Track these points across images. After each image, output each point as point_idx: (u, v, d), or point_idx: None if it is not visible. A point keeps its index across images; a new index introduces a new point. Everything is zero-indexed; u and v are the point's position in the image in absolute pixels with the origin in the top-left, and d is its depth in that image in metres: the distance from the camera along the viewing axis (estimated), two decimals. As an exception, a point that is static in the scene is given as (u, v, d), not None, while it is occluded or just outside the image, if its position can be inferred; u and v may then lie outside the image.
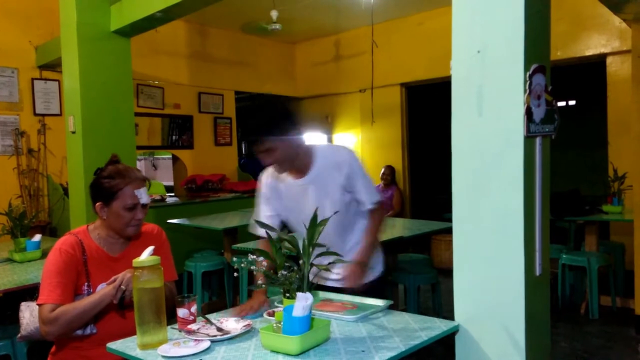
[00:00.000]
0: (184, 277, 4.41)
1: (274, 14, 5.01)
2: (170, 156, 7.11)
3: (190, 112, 6.45)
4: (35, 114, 5.08)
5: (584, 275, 4.10)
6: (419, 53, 6.26)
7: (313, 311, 1.43)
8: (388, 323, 1.63)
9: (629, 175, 3.99)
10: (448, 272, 1.93)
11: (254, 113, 1.92)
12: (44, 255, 2.87)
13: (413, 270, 3.62)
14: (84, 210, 3.70)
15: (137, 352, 1.48)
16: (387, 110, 6.63)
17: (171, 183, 7.28)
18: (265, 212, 2.09)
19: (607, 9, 3.76)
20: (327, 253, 1.53)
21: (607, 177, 4.41)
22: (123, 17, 3.72)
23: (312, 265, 1.43)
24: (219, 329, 1.59)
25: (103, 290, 1.71)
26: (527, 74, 1.53)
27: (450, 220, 1.74)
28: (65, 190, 4.77)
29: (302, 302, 1.35)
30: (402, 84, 6.66)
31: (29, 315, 1.89)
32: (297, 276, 1.42)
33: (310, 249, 1.43)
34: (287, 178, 2.04)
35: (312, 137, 7.37)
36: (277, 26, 5.08)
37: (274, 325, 1.44)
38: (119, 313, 1.80)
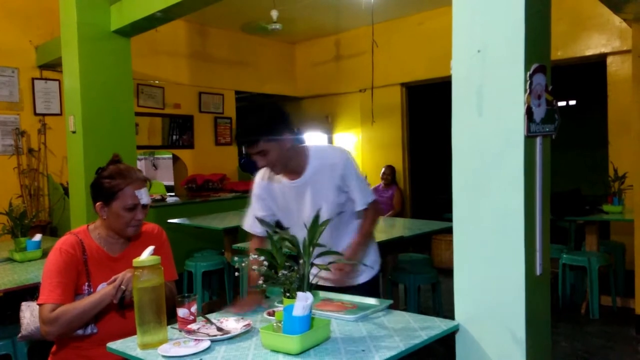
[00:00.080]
0: (184, 277, 4.41)
1: (274, 13, 5.01)
2: (171, 156, 7.11)
3: (190, 112, 6.45)
4: (36, 114, 5.08)
5: (584, 275, 4.10)
6: (419, 53, 6.26)
7: (313, 311, 1.43)
8: (388, 322, 1.63)
9: (629, 175, 3.99)
10: (448, 272, 1.93)
11: (247, 115, 1.92)
12: (45, 255, 2.88)
13: (413, 270, 3.62)
14: (84, 210, 3.71)
15: (137, 352, 1.48)
16: (387, 110, 6.63)
17: (171, 183, 7.28)
18: (258, 211, 2.10)
19: (607, 9, 3.76)
20: (327, 253, 1.53)
21: (607, 177, 4.41)
22: (123, 16, 3.72)
23: (312, 265, 1.43)
24: (219, 329, 1.59)
25: (103, 290, 1.71)
26: (528, 73, 1.53)
27: (450, 220, 1.74)
28: (66, 190, 4.77)
29: (302, 301, 1.35)
30: (402, 84, 6.66)
31: (29, 315, 1.89)
32: (297, 276, 1.42)
33: (311, 249, 1.43)
34: (282, 179, 2.03)
35: (312, 137, 7.38)
36: (278, 26, 5.08)
37: (274, 324, 1.44)
38: (120, 313, 1.80)
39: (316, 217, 1.46)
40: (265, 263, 1.46)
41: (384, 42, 6.16)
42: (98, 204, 1.80)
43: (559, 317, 3.93)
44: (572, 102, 8.04)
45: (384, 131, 6.77)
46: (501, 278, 1.59)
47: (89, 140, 3.73)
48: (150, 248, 1.62)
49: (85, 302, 1.69)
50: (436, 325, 1.59)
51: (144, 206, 1.82)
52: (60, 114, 5.09)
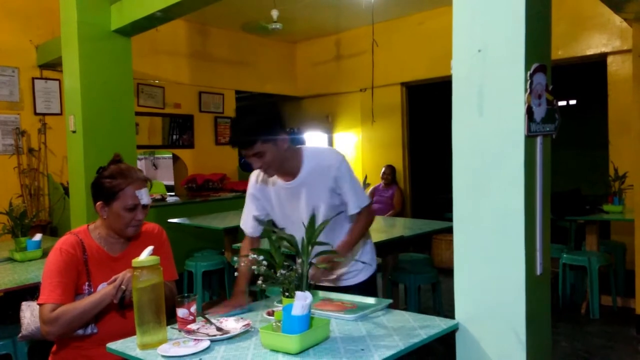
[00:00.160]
0: (184, 277, 4.42)
1: (274, 13, 5.01)
2: (171, 155, 7.11)
3: (190, 112, 6.45)
4: (36, 114, 5.08)
5: (584, 275, 4.10)
6: (419, 52, 6.26)
7: (312, 310, 1.43)
8: (388, 322, 1.63)
9: (630, 174, 3.99)
10: (449, 272, 1.93)
11: (242, 116, 1.89)
12: (45, 254, 2.88)
13: (414, 270, 3.62)
14: (84, 210, 3.71)
15: (137, 352, 1.48)
16: (387, 109, 6.63)
17: (172, 182, 7.28)
18: (253, 211, 2.10)
19: (607, 8, 3.76)
20: (324, 252, 1.53)
21: (607, 177, 4.41)
22: (123, 16, 3.72)
23: (311, 264, 1.43)
24: (219, 329, 1.59)
25: (103, 290, 1.71)
26: (528, 73, 1.53)
27: (450, 219, 1.74)
28: (66, 190, 4.77)
29: (302, 301, 1.35)
30: (402, 84, 6.66)
31: (29, 314, 1.89)
32: (296, 275, 1.42)
33: (309, 249, 1.43)
34: (277, 181, 2.03)
35: (312, 137, 7.38)
36: (278, 25, 5.08)
37: (274, 324, 1.44)
38: (120, 313, 1.80)
39: (312, 217, 1.46)
40: (265, 263, 1.46)
41: (385, 41, 6.16)
42: (98, 203, 1.80)
43: (559, 317, 3.93)
44: (573, 102, 8.03)
45: (384, 131, 6.77)
46: (501, 278, 1.59)
47: (89, 140, 3.73)
48: (150, 248, 1.62)
49: (85, 302, 1.69)
50: (436, 325, 1.59)
51: (145, 206, 1.82)
52: (61, 114, 5.09)
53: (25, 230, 3.05)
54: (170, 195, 6.22)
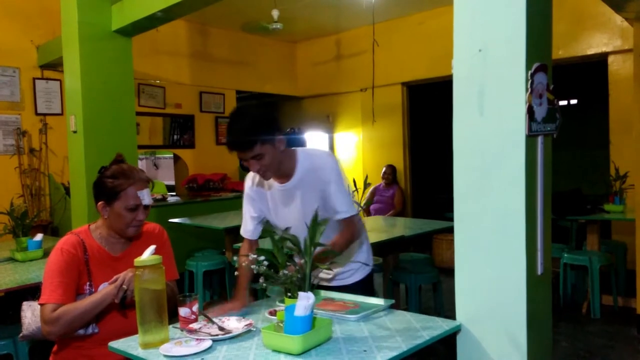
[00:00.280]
0: (185, 277, 4.42)
1: (274, 13, 5.01)
2: (172, 155, 7.11)
3: (191, 112, 6.45)
4: (37, 114, 5.09)
5: (585, 275, 4.10)
6: (420, 52, 6.26)
7: (315, 310, 1.43)
8: (390, 323, 1.63)
9: (631, 174, 3.99)
10: (449, 272, 1.92)
11: (239, 118, 1.87)
12: (46, 254, 2.88)
13: (414, 270, 3.62)
14: (85, 210, 3.71)
15: (138, 352, 1.48)
16: (388, 109, 6.63)
17: (172, 182, 7.29)
18: (251, 213, 2.10)
19: (608, 8, 3.76)
20: (325, 253, 1.53)
21: (608, 176, 4.40)
22: (124, 16, 3.72)
23: (314, 265, 1.44)
24: (221, 328, 1.59)
25: (105, 289, 1.71)
26: (529, 73, 1.53)
27: (451, 219, 1.74)
28: (67, 190, 4.77)
29: (304, 301, 1.35)
30: (403, 83, 6.65)
31: (30, 314, 1.89)
32: (299, 275, 1.42)
33: (312, 249, 1.43)
34: (272, 183, 2.03)
35: (313, 137, 7.38)
36: (278, 25, 5.08)
37: (276, 324, 1.44)
38: (121, 312, 1.80)
39: (315, 216, 1.46)
40: (265, 262, 1.46)
41: (385, 41, 6.16)
42: (100, 203, 1.80)
43: (560, 317, 3.93)
44: (574, 101, 8.03)
45: (384, 130, 6.76)
46: (502, 277, 1.59)
47: (90, 140, 3.73)
48: (152, 248, 1.62)
49: (86, 302, 1.70)
50: (438, 326, 1.58)
51: (146, 207, 1.82)
52: (62, 114, 5.09)
53: (26, 230, 3.05)
54: (171, 195, 6.22)
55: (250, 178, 2.11)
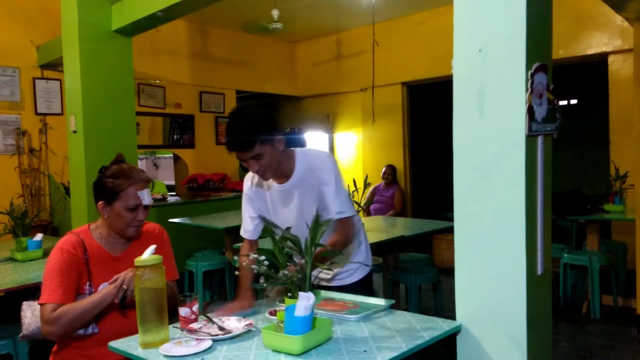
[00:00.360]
0: (185, 277, 4.42)
1: (275, 13, 5.01)
2: (172, 155, 7.11)
3: (191, 112, 6.45)
4: (37, 114, 5.09)
5: (585, 275, 4.10)
6: (420, 52, 6.26)
7: (315, 311, 1.43)
8: (390, 323, 1.63)
9: (631, 174, 3.99)
10: (449, 272, 1.92)
11: (238, 118, 1.87)
12: (46, 254, 2.88)
13: (414, 270, 3.62)
14: (85, 210, 3.71)
15: (138, 351, 1.48)
16: (388, 109, 6.63)
17: (172, 182, 7.29)
18: (250, 213, 2.10)
19: (608, 8, 3.75)
20: (326, 253, 1.53)
21: (608, 176, 4.40)
22: (124, 16, 3.72)
23: (314, 265, 1.43)
24: (221, 328, 1.59)
25: (104, 289, 1.71)
26: (529, 72, 1.53)
27: (451, 219, 1.74)
28: (67, 190, 4.77)
29: (304, 301, 1.35)
30: (403, 83, 6.65)
31: (30, 314, 1.89)
32: (299, 275, 1.42)
33: (313, 249, 1.43)
34: (271, 183, 2.03)
35: (313, 137, 7.38)
36: (278, 25, 5.08)
37: (276, 324, 1.44)
38: (121, 312, 1.80)
39: (317, 217, 1.46)
40: (265, 262, 1.46)
41: (385, 41, 6.16)
42: (100, 203, 1.80)
43: (560, 317, 3.93)
44: (574, 101, 8.03)
45: (384, 130, 6.76)
46: (502, 278, 1.59)
47: (90, 139, 3.73)
48: (152, 247, 1.62)
49: (86, 302, 1.70)
50: (438, 326, 1.58)
51: (146, 207, 1.82)
52: (62, 114, 5.09)
53: (26, 230, 3.05)
54: (171, 195, 6.22)
55: (249, 179, 2.11)
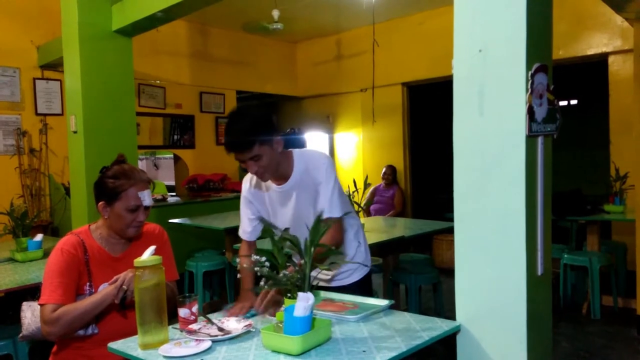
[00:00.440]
0: (185, 277, 4.42)
1: (275, 13, 5.01)
2: (172, 156, 7.12)
3: (191, 112, 6.45)
4: (37, 114, 5.09)
5: (585, 275, 4.10)
6: (420, 52, 6.26)
7: (314, 311, 1.43)
8: (390, 323, 1.63)
9: (631, 174, 3.99)
10: (449, 272, 1.92)
11: (237, 119, 1.86)
12: (46, 255, 2.88)
13: (414, 270, 3.62)
14: (85, 210, 3.71)
15: (138, 352, 1.48)
16: (388, 109, 6.63)
17: (172, 183, 7.29)
18: (248, 215, 2.10)
19: (609, 8, 3.76)
20: (326, 253, 1.53)
21: (608, 177, 4.40)
22: (124, 16, 3.72)
23: (314, 265, 1.43)
24: (220, 329, 1.59)
25: (104, 290, 1.71)
26: (529, 73, 1.53)
27: (451, 219, 1.74)
28: (67, 190, 4.77)
29: (304, 302, 1.35)
30: (403, 84, 6.65)
31: (30, 315, 1.89)
32: (299, 276, 1.42)
33: (312, 249, 1.42)
34: (270, 184, 2.03)
35: (313, 137, 7.38)
36: (279, 26, 5.08)
37: (275, 325, 1.44)
38: (121, 313, 1.80)
39: (318, 218, 1.46)
40: (267, 264, 1.46)
41: (385, 41, 6.16)
42: (100, 203, 1.80)
43: (560, 317, 3.93)
44: (574, 102, 8.03)
45: (385, 131, 6.76)
46: (502, 278, 1.59)
47: (90, 140, 3.73)
48: (152, 248, 1.62)
49: (86, 303, 1.70)
50: (437, 326, 1.58)
51: (147, 208, 1.82)
52: (62, 114, 5.09)
53: (26, 231, 3.05)
54: (171, 196, 6.23)
55: (248, 180, 2.11)
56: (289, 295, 1.43)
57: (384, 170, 6.42)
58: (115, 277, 1.70)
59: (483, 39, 1.60)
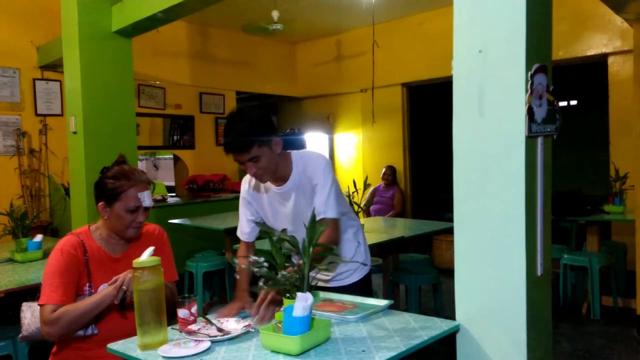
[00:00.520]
0: (185, 277, 4.42)
1: (275, 14, 5.01)
2: (172, 156, 7.12)
3: (191, 112, 6.45)
4: (37, 115, 5.09)
5: (585, 276, 4.10)
6: (420, 53, 6.26)
7: (313, 311, 1.43)
8: (389, 323, 1.63)
9: (631, 175, 3.99)
10: (449, 272, 1.92)
11: (236, 120, 1.86)
12: (46, 255, 2.87)
13: (414, 271, 3.62)
14: (85, 211, 3.71)
15: (137, 353, 1.48)
16: (388, 110, 6.63)
17: (172, 183, 7.29)
18: (247, 216, 2.10)
19: (608, 9, 3.76)
20: (325, 253, 1.53)
21: (608, 177, 4.40)
22: (124, 17, 3.72)
23: (312, 265, 1.43)
24: (220, 330, 1.59)
25: (104, 290, 1.71)
26: (529, 73, 1.53)
27: (451, 220, 1.73)
28: (67, 191, 4.77)
29: (303, 302, 1.35)
30: (403, 84, 6.66)
31: (30, 315, 1.89)
32: (297, 276, 1.42)
33: (311, 249, 1.42)
34: (269, 186, 2.03)
35: (313, 137, 7.38)
36: (278, 26, 5.08)
37: (275, 325, 1.44)
38: (120, 313, 1.80)
39: (313, 217, 1.46)
40: (265, 264, 1.46)
41: (385, 42, 6.16)
42: (100, 203, 1.81)
43: (559, 318, 3.93)
44: (574, 102, 8.03)
45: (384, 131, 6.77)
46: (502, 278, 1.59)
47: (90, 140, 3.73)
48: (151, 249, 1.62)
49: (86, 303, 1.70)
50: (437, 326, 1.58)
51: (146, 209, 1.82)
52: (62, 115, 5.09)
53: (26, 231, 3.05)
54: (171, 196, 6.23)
55: (247, 181, 2.11)
56: (287, 295, 1.43)
57: (383, 170, 6.42)
58: (114, 278, 1.70)
59: (483, 39, 1.60)
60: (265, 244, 1.69)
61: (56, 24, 4.12)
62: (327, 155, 7.30)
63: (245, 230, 2.10)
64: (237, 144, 1.83)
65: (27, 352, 2.60)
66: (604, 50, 5.05)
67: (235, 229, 4.13)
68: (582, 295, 4.30)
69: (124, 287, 1.66)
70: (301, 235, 1.47)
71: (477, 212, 1.64)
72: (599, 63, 5.26)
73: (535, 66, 1.55)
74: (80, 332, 1.76)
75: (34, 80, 5.08)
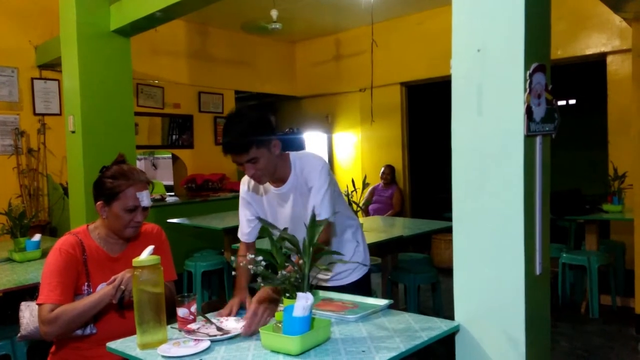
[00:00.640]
0: (183, 277, 4.41)
1: (274, 13, 5.00)
2: (170, 156, 7.10)
3: (190, 112, 6.45)
4: (35, 114, 5.08)
5: (584, 275, 4.10)
6: (418, 52, 6.26)
7: (313, 311, 1.43)
8: (389, 323, 1.63)
9: (629, 174, 3.99)
10: (448, 272, 1.92)
11: (235, 121, 1.86)
12: (44, 255, 2.87)
13: (413, 270, 3.62)
14: (83, 210, 3.70)
15: (136, 352, 1.48)
16: (387, 109, 6.63)
17: (171, 182, 7.28)
18: (247, 216, 2.09)
19: (607, 8, 3.76)
20: (325, 253, 1.53)
21: (607, 176, 4.41)
22: (123, 16, 3.71)
23: (312, 265, 1.43)
24: (219, 329, 1.59)
25: (103, 290, 1.71)
26: (528, 72, 1.53)
27: (450, 219, 1.73)
28: (65, 190, 4.77)
29: (303, 302, 1.35)
30: (402, 83, 6.66)
31: (28, 315, 1.89)
32: (297, 276, 1.42)
33: (311, 249, 1.42)
34: (268, 187, 2.03)
35: (312, 137, 7.38)
36: (277, 25, 5.08)
37: (274, 325, 1.44)
38: (119, 313, 1.80)
39: (313, 217, 1.46)
40: (263, 263, 1.46)
41: (384, 41, 6.16)
42: (99, 203, 1.80)
43: (558, 317, 3.93)
44: (572, 101, 8.03)
45: (383, 131, 6.77)
46: (501, 277, 1.59)
47: (89, 140, 3.73)
48: (150, 248, 1.62)
49: (84, 302, 1.69)
50: (437, 326, 1.58)
51: (145, 208, 1.82)
52: (60, 114, 5.08)
53: (24, 231, 3.05)
54: (170, 196, 6.21)
55: (246, 182, 2.11)
56: (287, 295, 1.42)
57: (382, 170, 6.42)
58: (113, 277, 1.70)
59: (481, 38, 1.60)
60: (265, 244, 1.69)
61: (54, 23, 4.11)
62: (325, 154, 7.32)
63: (245, 230, 2.10)
64: (236, 145, 1.82)
65: (25, 352, 2.60)
66: (603, 49, 5.06)
67: (233, 228, 4.14)
68: (580, 294, 4.31)
69: (122, 287, 1.66)
70: (300, 235, 1.47)
71: (476, 211, 1.64)
72: (598, 62, 5.26)
73: (533, 65, 1.55)
74: (79, 332, 1.76)
75: (32, 79, 5.07)
